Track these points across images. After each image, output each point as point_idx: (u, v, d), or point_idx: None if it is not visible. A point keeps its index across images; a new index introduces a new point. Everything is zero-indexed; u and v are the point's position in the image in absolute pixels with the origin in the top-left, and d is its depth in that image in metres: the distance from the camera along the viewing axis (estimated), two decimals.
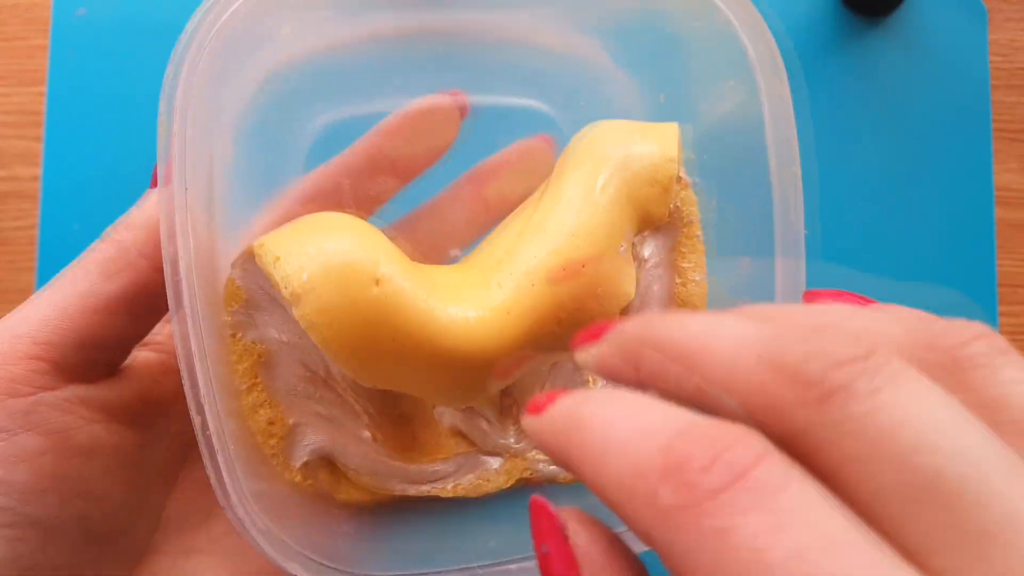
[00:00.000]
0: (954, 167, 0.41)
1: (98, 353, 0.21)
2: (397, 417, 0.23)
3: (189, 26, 0.20)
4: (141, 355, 0.23)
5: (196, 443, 0.20)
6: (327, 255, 0.20)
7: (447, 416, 0.23)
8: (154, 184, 0.21)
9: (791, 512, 0.10)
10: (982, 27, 0.42)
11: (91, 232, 0.41)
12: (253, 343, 0.22)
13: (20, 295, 0.40)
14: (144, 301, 0.21)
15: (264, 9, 0.21)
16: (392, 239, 0.23)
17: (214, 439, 0.19)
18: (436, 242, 0.27)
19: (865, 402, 0.11)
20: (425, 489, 0.24)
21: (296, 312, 0.19)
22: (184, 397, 0.20)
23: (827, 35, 0.42)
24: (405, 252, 0.22)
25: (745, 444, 0.11)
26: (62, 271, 0.22)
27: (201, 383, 0.19)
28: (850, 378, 0.11)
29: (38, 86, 0.41)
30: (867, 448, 0.10)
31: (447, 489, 0.24)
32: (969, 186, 0.41)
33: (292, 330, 0.21)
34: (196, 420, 0.19)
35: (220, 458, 0.20)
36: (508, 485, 0.24)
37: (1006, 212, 0.41)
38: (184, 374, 0.20)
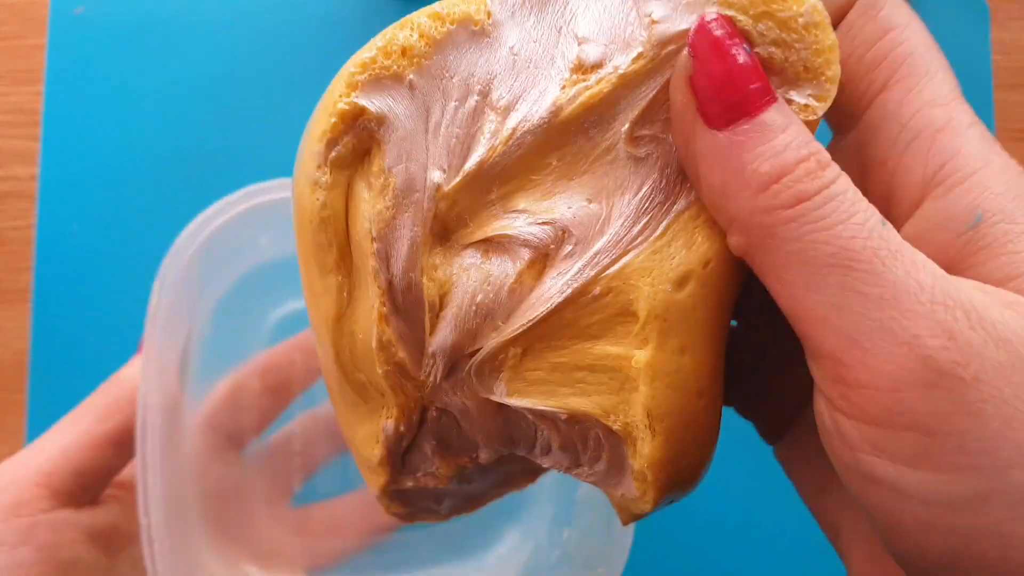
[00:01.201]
0: None
1: (87, 482, 0.27)
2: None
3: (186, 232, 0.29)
4: (113, 493, 0.29)
5: None
6: None
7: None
8: (141, 350, 0.28)
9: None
10: (984, 26, 0.42)
11: (89, 232, 0.41)
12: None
13: (18, 295, 0.39)
14: (128, 441, 0.27)
15: (249, 223, 0.29)
16: None
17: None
18: None
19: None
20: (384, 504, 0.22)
21: None
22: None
23: None
24: None
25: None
26: (68, 415, 0.28)
27: (152, 505, 0.26)
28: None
29: (35, 85, 0.41)
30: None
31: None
32: None
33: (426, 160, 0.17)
34: (143, 521, 0.26)
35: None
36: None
37: None
38: (139, 486, 0.27)
